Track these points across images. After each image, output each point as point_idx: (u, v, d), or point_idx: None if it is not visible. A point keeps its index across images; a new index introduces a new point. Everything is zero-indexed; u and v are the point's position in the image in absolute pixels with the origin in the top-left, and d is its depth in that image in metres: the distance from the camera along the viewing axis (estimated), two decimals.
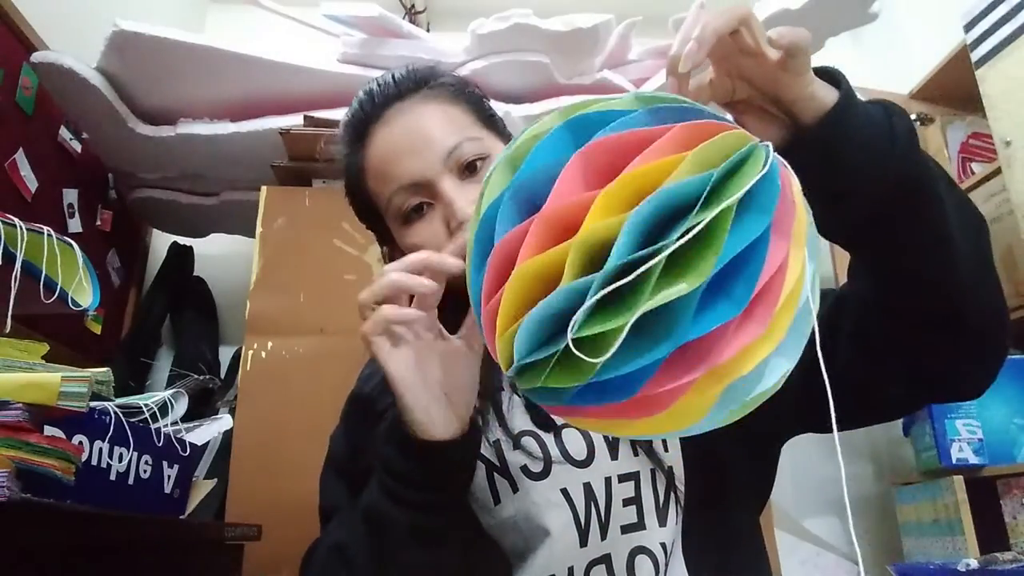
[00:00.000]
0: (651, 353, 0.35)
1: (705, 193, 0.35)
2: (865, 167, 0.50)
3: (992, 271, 0.57)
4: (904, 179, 0.51)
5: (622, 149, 0.37)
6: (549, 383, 0.37)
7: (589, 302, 0.34)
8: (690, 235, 0.34)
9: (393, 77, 0.68)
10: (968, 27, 1.66)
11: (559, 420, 0.63)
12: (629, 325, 0.34)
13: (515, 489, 0.62)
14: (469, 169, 0.63)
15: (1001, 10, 1.57)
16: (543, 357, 0.37)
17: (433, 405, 0.53)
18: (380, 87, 0.67)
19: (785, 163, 0.38)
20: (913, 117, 2.26)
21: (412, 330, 0.53)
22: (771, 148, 0.37)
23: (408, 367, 0.52)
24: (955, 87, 2.10)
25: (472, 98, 0.69)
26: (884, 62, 2.53)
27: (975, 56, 1.64)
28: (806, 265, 0.37)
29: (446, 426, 0.53)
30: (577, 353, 0.35)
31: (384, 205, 0.66)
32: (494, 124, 0.70)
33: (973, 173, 2.09)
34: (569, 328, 0.35)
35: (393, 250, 0.72)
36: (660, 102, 0.39)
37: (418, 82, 0.67)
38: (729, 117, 0.49)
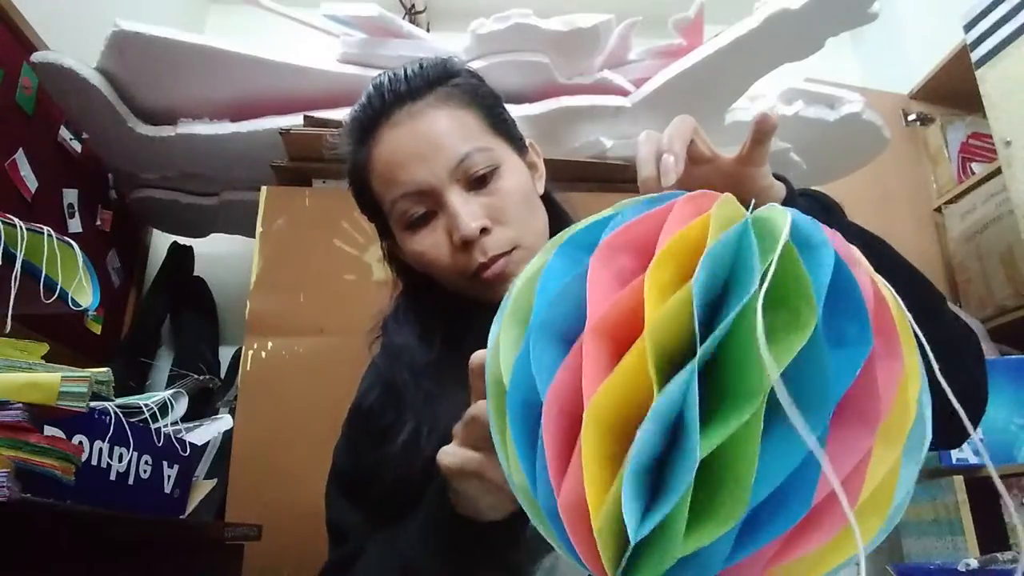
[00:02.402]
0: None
1: (753, 238, 0.30)
2: None
3: (951, 333, 0.55)
4: None
5: (637, 238, 0.32)
6: (689, 547, 0.27)
7: (693, 399, 0.27)
8: (769, 277, 0.28)
9: (405, 73, 0.65)
10: (968, 27, 1.66)
11: None
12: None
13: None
14: (478, 182, 0.62)
15: (1001, 10, 1.57)
16: (668, 512, 0.27)
17: (484, 498, 0.47)
18: (390, 82, 0.65)
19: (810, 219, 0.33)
20: (913, 117, 2.26)
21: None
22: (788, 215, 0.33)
23: (470, 464, 0.46)
24: (955, 87, 2.10)
25: (486, 101, 0.67)
26: (884, 62, 2.53)
27: (975, 56, 1.64)
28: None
29: (495, 512, 0.47)
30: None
31: (388, 208, 0.65)
32: (506, 129, 0.68)
33: (973, 173, 2.09)
34: (686, 433, 0.27)
35: (393, 245, 0.71)
36: (637, 202, 0.36)
37: (430, 82, 0.65)
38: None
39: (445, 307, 0.68)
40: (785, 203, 0.53)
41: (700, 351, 0.27)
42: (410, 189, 0.62)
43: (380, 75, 0.66)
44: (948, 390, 0.29)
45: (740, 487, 0.26)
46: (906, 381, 0.29)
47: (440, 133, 0.62)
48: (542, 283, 0.34)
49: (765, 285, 0.28)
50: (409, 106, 0.64)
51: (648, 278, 0.29)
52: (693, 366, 0.27)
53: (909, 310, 0.41)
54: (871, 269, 0.32)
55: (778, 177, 0.55)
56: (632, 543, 0.27)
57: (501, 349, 0.34)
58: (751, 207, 0.35)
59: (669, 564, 0.27)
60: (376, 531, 0.60)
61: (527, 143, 0.72)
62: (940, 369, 0.32)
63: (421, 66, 0.66)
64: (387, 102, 0.64)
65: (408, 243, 0.65)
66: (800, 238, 0.31)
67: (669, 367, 0.29)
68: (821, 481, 0.27)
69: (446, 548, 0.49)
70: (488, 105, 0.67)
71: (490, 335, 0.35)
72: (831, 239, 0.31)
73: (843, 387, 0.27)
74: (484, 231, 0.61)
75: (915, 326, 0.31)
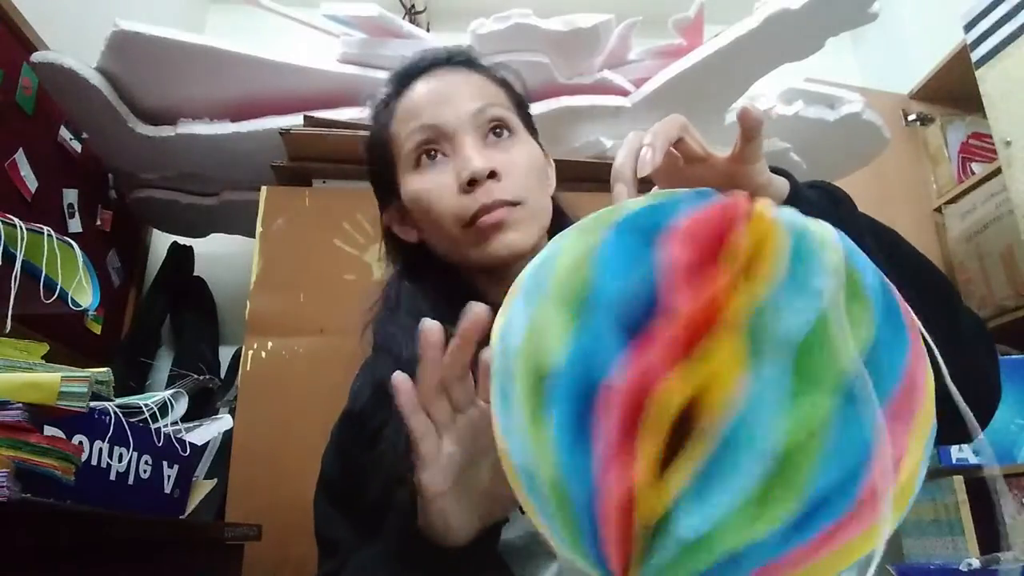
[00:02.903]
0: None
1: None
2: None
3: (963, 344, 0.55)
4: None
5: (700, 230, 0.31)
6: (738, 541, 0.27)
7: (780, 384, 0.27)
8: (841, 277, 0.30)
9: (447, 48, 0.71)
10: (968, 27, 1.66)
11: None
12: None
13: (523, 510, 0.60)
14: (494, 134, 0.65)
15: (1001, 10, 1.57)
16: (727, 510, 0.26)
17: (457, 517, 0.47)
18: (432, 51, 0.70)
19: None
20: (913, 117, 2.26)
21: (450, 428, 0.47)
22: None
23: (443, 477, 0.46)
24: (955, 87, 2.10)
25: (513, 91, 0.72)
26: (884, 62, 2.53)
27: (975, 56, 1.64)
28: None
29: (464, 533, 0.48)
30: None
31: (400, 146, 0.66)
32: (528, 120, 0.72)
33: (973, 173, 2.09)
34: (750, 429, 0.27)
35: (391, 214, 0.71)
36: (688, 194, 0.35)
37: (469, 58, 0.71)
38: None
39: (436, 296, 0.67)
40: (789, 198, 0.52)
41: (849, 366, 0.27)
42: (427, 123, 0.64)
43: (423, 50, 0.72)
44: (955, 391, 0.29)
45: (801, 482, 0.26)
46: (928, 377, 0.30)
47: (467, 87, 0.66)
48: (602, 264, 0.31)
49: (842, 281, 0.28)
50: (447, 66, 0.69)
51: (740, 276, 0.28)
52: (786, 359, 0.27)
53: (923, 302, 0.40)
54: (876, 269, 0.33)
55: (781, 172, 0.54)
56: (682, 539, 0.26)
57: (546, 330, 0.31)
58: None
59: (709, 562, 0.26)
60: (363, 542, 0.59)
61: (545, 150, 0.73)
62: (954, 362, 0.33)
63: (461, 47, 0.72)
64: (426, 63, 0.69)
65: (412, 182, 0.65)
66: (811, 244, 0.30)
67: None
68: (864, 478, 0.27)
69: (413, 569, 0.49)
70: (516, 94, 0.72)
71: (512, 316, 0.34)
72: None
73: (896, 381, 0.28)
74: (493, 175, 0.62)
75: (921, 327, 0.32)
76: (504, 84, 0.71)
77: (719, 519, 0.26)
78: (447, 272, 0.68)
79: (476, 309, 0.44)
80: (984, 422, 0.56)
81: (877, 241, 0.53)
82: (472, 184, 0.61)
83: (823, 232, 0.30)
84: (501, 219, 0.61)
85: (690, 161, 0.51)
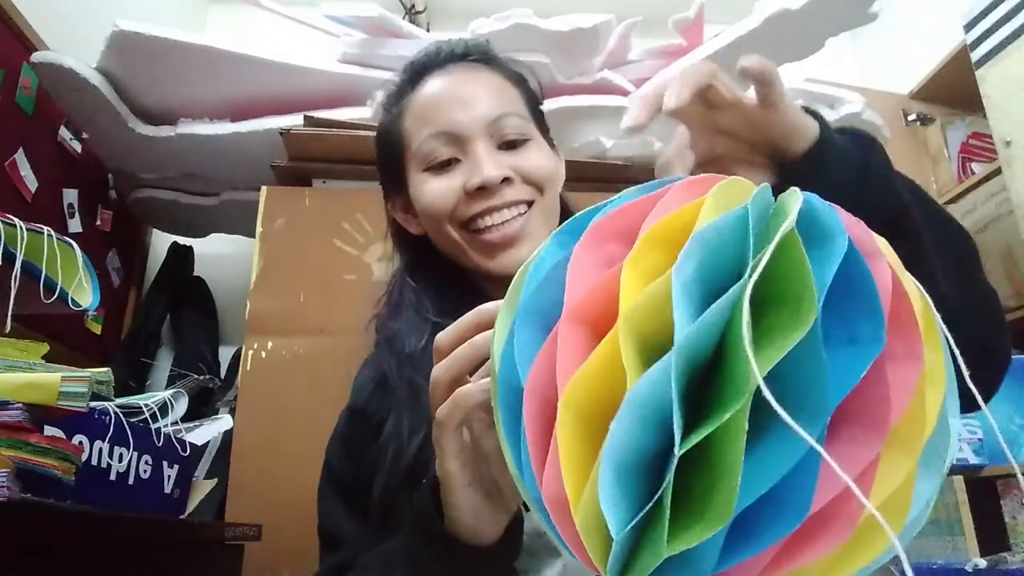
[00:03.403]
0: (808, 427, 0.25)
1: (750, 225, 0.28)
2: (841, 201, 0.50)
3: (981, 292, 0.55)
4: (879, 211, 0.48)
5: (627, 223, 0.30)
6: (675, 547, 0.25)
7: (677, 390, 0.25)
8: (760, 268, 0.26)
9: (465, 41, 0.69)
10: (968, 27, 1.66)
11: None
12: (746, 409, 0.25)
13: (527, 508, 0.60)
14: (509, 145, 0.64)
15: (1001, 10, 1.57)
16: (644, 515, 0.26)
17: (485, 508, 0.43)
18: (448, 44, 0.69)
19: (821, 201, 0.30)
20: (913, 117, 2.26)
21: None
22: (791, 197, 0.30)
23: (468, 472, 0.42)
24: (955, 87, 2.10)
25: (529, 90, 0.71)
26: (884, 62, 2.53)
27: (975, 56, 1.64)
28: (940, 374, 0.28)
29: (494, 527, 0.44)
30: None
31: (413, 147, 0.65)
32: (542, 120, 0.71)
33: (973, 173, 2.09)
34: (672, 458, 0.25)
35: (396, 203, 0.71)
36: (637, 188, 0.33)
37: (487, 55, 0.69)
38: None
39: (439, 293, 0.67)
40: (818, 143, 0.50)
41: (677, 341, 0.25)
42: (442, 129, 0.63)
43: (438, 41, 0.70)
44: (969, 379, 0.27)
45: (726, 488, 0.25)
46: (923, 384, 0.27)
47: (484, 90, 0.65)
48: (532, 269, 0.32)
49: (755, 276, 0.26)
50: (463, 63, 0.67)
51: (627, 264, 0.28)
52: (670, 357, 0.25)
53: (948, 265, 0.39)
54: (896, 262, 0.29)
55: (811, 112, 0.53)
56: (614, 540, 0.26)
57: (495, 336, 0.33)
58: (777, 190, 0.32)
59: (655, 564, 0.26)
60: (370, 538, 0.58)
61: (557, 150, 0.73)
62: (966, 333, 0.30)
63: (481, 41, 0.70)
64: (443, 56, 0.68)
65: (420, 184, 0.65)
66: (813, 226, 0.28)
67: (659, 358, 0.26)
68: (822, 489, 0.25)
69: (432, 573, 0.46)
70: (531, 94, 0.71)
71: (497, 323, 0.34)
72: (851, 227, 0.28)
73: (846, 388, 0.25)
74: (507, 180, 0.62)
75: (943, 327, 0.29)
76: (520, 83, 0.70)
77: (650, 523, 0.26)
78: (451, 268, 0.68)
79: (487, 307, 0.42)
80: (996, 383, 0.55)
81: (910, 195, 0.53)
82: (482, 190, 0.61)
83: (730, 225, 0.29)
84: (513, 234, 0.62)
85: (717, 107, 0.50)
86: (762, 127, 0.50)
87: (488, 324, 0.40)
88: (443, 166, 0.64)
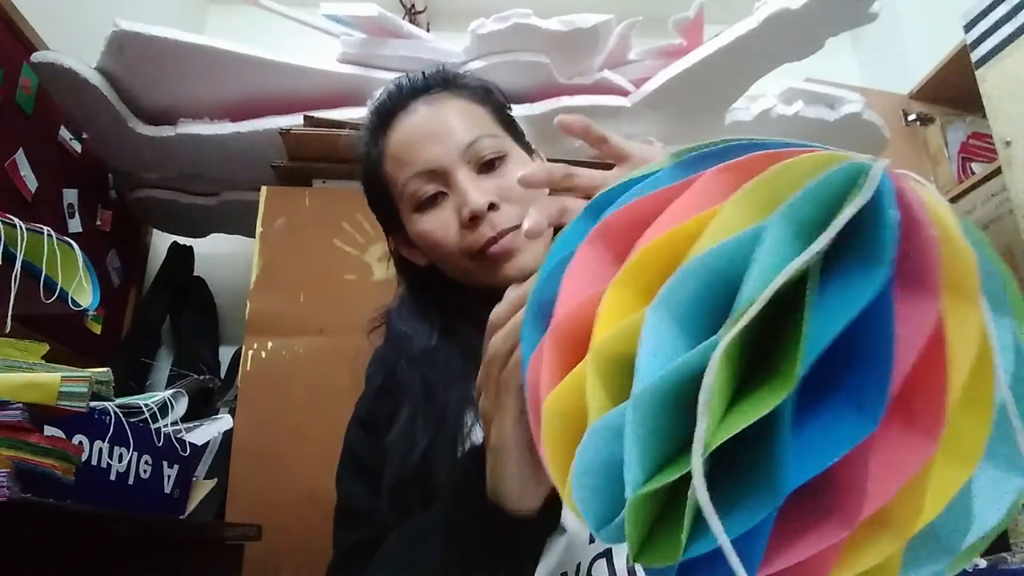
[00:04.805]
0: (750, 510, 0.23)
1: (758, 257, 0.23)
2: None
3: None
4: None
5: (641, 222, 0.26)
6: (643, 561, 0.26)
7: (632, 446, 0.23)
8: (741, 324, 0.22)
9: (423, 74, 0.70)
10: (968, 27, 1.66)
11: None
12: (698, 470, 0.21)
13: None
14: (487, 166, 0.65)
15: (1001, 10, 1.57)
16: (617, 530, 0.26)
17: (531, 476, 0.44)
18: (409, 82, 0.69)
19: (914, 177, 0.25)
20: (913, 117, 2.27)
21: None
22: (875, 166, 0.23)
23: (525, 437, 0.42)
24: (955, 87, 2.10)
25: (496, 103, 0.71)
26: (884, 62, 2.53)
27: (975, 56, 1.64)
28: (988, 327, 0.22)
29: (536, 498, 0.45)
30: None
31: (399, 190, 0.66)
32: (514, 129, 0.71)
33: (973, 173, 2.09)
34: (626, 493, 0.24)
35: (399, 241, 0.72)
36: (694, 151, 0.28)
37: (446, 80, 0.70)
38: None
39: (446, 302, 0.69)
40: None
41: (634, 392, 0.23)
42: (421, 168, 0.64)
43: (399, 77, 0.71)
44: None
45: (679, 531, 0.24)
46: (933, 467, 0.22)
47: (453, 119, 0.66)
48: (555, 246, 0.30)
49: (732, 333, 0.22)
50: (425, 97, 0.68)
51: (611, 288, 0.25)
52: (624, 408, 0.24)
53: None
54: (969, 302, 0.22)
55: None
56: (591, 532, 0.27)
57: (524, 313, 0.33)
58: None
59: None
60: (390, 516, 0.59)
61: (533, 148, 0.74)
62: None
63: (438, 69, 0.71)
64: (405, 95, 0.69)
65: (416, 224, 0.66)
66: (862, 233, 0.23)
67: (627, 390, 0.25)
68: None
69: (470, 551, 0.46)
70: (498, 105, 0.71)
71: None
72: (913, 247, 0.22)
73: (815, 468, 0.22)
74: (492, 207, 0.63)
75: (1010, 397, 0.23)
76: (485, 99, 0.70)
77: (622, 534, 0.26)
78: (457, 288, 0.69)
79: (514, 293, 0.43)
80: None
81: None
82: (474, 220, 0.62)
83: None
84: (510, 247, 0.63)
85: (595, 193, 0.52)
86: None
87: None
88: (432, 201, 0.65)
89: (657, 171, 0.28)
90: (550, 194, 0.51)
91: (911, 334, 0.22)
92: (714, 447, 0.22)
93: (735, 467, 0.24)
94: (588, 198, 0.53)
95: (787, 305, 0.23)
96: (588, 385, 0.25)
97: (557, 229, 0.68)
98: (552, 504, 0.47)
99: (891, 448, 0.22)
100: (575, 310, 0.27)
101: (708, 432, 0.22)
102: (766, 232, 0.22)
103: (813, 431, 0.23)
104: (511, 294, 0.43)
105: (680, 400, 0.24)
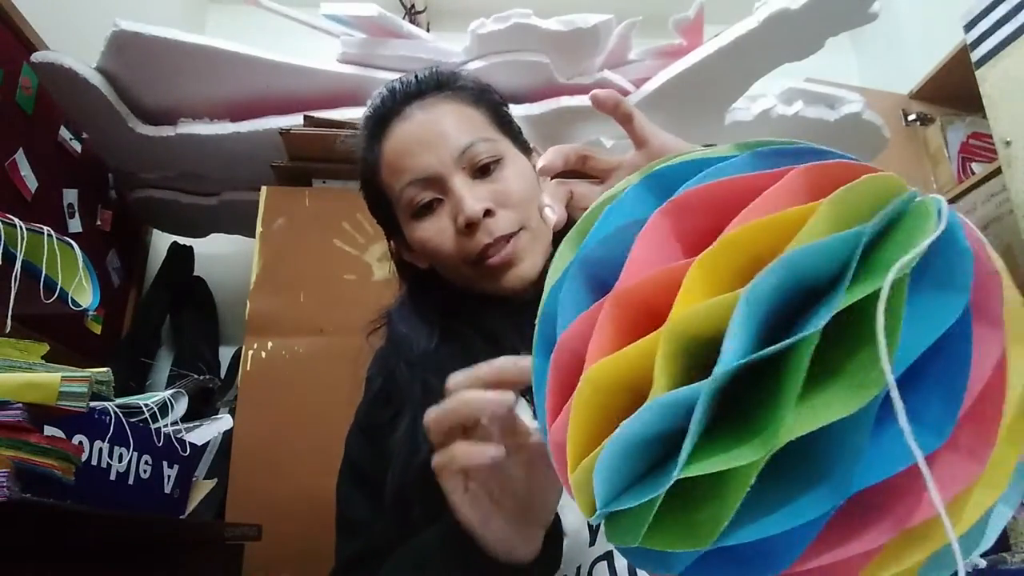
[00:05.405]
0: (806, 506, 0.23)
1: (856, 259, 0.24)
2: None
3: None
4: None
5: (720, 203, 0.26)
6: (650, 543, 0.25)
7: (697, 423, 0.23)
8: (827, 314, 0.23)
9: (416, 77, 0.69)
10: (968, 27, 1.66)
11: None
12: (765, 460, 0.22)
13: None
14: (482, 171, 0.64)
15: (1001, 10, 1.57)
16: (637, 505, 0.25)
17: (513, 536, 0.44)
18: (402, 85, 0.68)
19: (966, 220, 0.25)
20: (913, 117, 2.27)
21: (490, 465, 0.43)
22: (944, 201, 0.24)
23: (482, 509, 0.43)
24: (955, 87, 2.10)
25: (491, 103, 0.70)
26: (884, 62, 2.53)
27: (975, 56, 1.64)
28: None
29: (530, 546, 0.45)
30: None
31: (396, 197, 0.66)
32: (511, 129, 0.71)
33: (973, 173, 2.09)
34: (677, 465, 0.24)
35: (399, 244, 0.72)
36: (769, 145, 0.28)
37: (440, 83, 0.69)
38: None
39: (446, 305, 0.69)
40: None
41: (715, 373, 0.23)
42: (417, 176, 0.64)
43: (392, 81, 0.70)
44: None
45: (719, 516, 0.24)
46: (975, 487, 0.24)
47: (447, 124, 0.65)
48: (606, 214, 0.29)
49: (808, 330, 0.22)
50: (419, 102, 0.67)
51: (698, 264, 0.25)
52: (699, 387, 0.24)
53: None
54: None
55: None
56: (593, 519, 0.26)
57: (553, 264, 0.31)
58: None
59: (632, 543, 0.26)
60: (389, 527, 0.59)
61: (532, 147, 0.73)
62: None
63: (431, 71, 0.70)
64: (398, 100, 0.68)
65: (414, 231, 0.66)
66: (939, 263, 0.24)
67: (691, 370, 0.25)
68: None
69: None
70: (494, 105, 0.70)
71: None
72: (982, 284, 0.24)
73: (877, 476, 0.23)
74: (488, 213, 0.63)
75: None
76: (480, 100, 0.69)
77: (631, 515, 0.26)
78: (457, 291, 0.69)
79: (523, 364, 0.41)
80: None
81: None
82: (471, 227, 0.62)
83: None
84: (509, 256, 0.63)
85: (608, 176, 0.52)
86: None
87: (505, 382, 0.41)
88: (428, 209, 0.65)
89: (731, 157, 0.28)
90: (555, 178, 0.51)
91: (981, 360, 0.23)
92: (790, 439, 0.22)
93: (787, 457, 0.24)
94: (601, 181, 0.54)
95: (847, 315, 0.24)
96: (658, 360, 0.24)
97: (560, 232, 0.69)
98: (553, 543, 0.47)
99: (944, 463, 0.23)
100: (647, 281, 0.26)
101: (786, 426, 0.22)
102: (863, 238, 0.24)
103: (884, 436, 0.23)
104: (479, 370, 0.43)
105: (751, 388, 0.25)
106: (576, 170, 0.52)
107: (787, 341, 0.23)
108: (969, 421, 0.23)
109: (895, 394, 0.21)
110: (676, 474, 0.24)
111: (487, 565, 0.45)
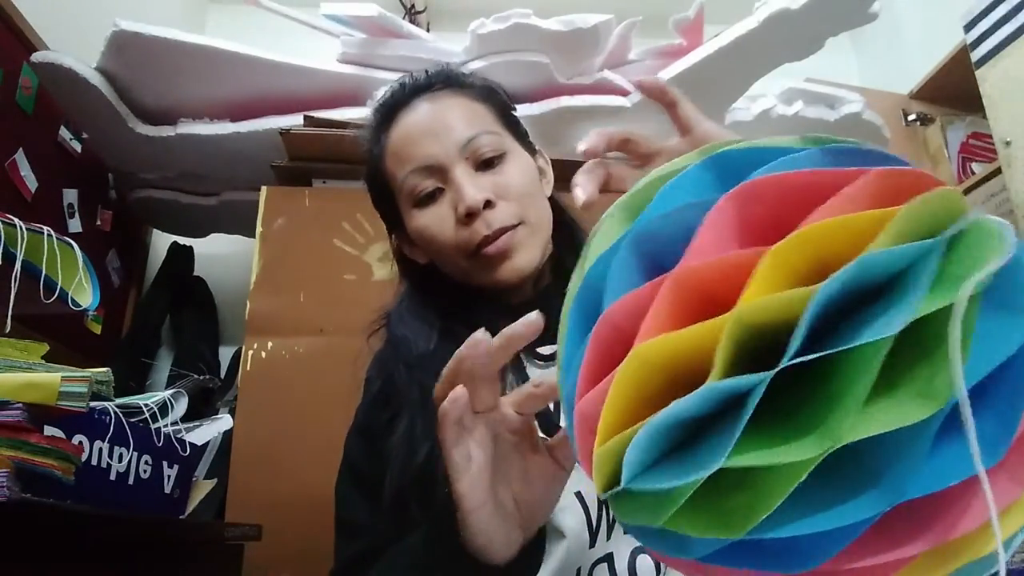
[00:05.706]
0: (853, 508, 0.23)
1: (932, 270, 0.24)
2: None
3: None
4: None
5: (792, 196, 0.26)
6: (676, 526, 0.25)
7: (747, 413, 0.23)
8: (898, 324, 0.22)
9: (426, 72, 0.70)
10: (968, 27, 1.66)
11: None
12: (820, 458, 0.23)
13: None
14: (485, 164, 0.65)
15: (1001, 10, 1.57)
16: (672, 487, 0.25)
17: (496, 530, 0.44)
18: (412, 80, 0.70)
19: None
20: (913, 117, 2.26)
21: (489, 427, 0.44)
22: (1010, 225, 0.25)
23: (479, 490, 0.43)
24: (955, 87, 2.10)
25: (498, 102, 0.71)
26: (884, 62, 2.53)
27: (975, 56, 1.64)
28: None
29: (507, 548, 0.45)
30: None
31: (398, 186, 0.67)
32: (516, 129, 0.72)
33: (973, 173, 2.09)
34: (722, 451, 0.23)
35: (401, 239, 0.72)
36: (837, 142, 0.28)
37: (449, 79, 0.70)
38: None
39: (446, 304, 0.69)
40: None
41: (782, 365, 0.23)
42: (420, 164, 0.65)
43: (404, 76, 0.71)
44: None
45: (756, 507, 0.24)
46: (1011, 510, 0.24)
47: (453, 115, 0.66)
48: (665, 191, 0.29)
49: (882, 334, 0.22)
50: (427, 94, 0.68)
51: (771, 254, 0.24)
52: (760, 377, 0.24)
53: None
54: None
55: None
56: (609, 494, 0.26)
57: (599, 234, 0.30)
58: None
59: (654, 523, 0.25)
60: (388, 528, 0.59)
61: (537, 148, 0.73)
62: None
63: (441, 68, 0.71)
64: (407, 93, 0.69)
65: (414, 219, 0.66)
66: (1008, 284, 0.24)
67: (745, 361, 0.25)
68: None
69: None
70: (502, 104, 0.71)
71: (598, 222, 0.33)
72: None
73: (926, 488, 0.23)
74: (489, 204, 0.63)
75: None
76: (487, 97, 0.70)
77: (661, 496, 0.25)
78: (457, 288, 0.69)
79: (532, 317, 0.42)
80: None
81: None
82: (470, 216, 0.63)
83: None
84: (505, 247, 0.63)
85: (648, 161, 0.52)
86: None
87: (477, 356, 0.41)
88: (430, 198, 0.65)
89: (799, 149, 0.28)
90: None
91: None
92: (851, 440, 0.22)
93: (833, 457, 0.23)
94: (642, 165, 0.54)
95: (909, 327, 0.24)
96: (722, 345, 0.24)
97: (562, 235, 0.69)
98: (529, 554, 0.46)
99: (991, 482, 0.23)
100: (714, 264, 0.25)
101: (847, 427, 0.22)
102: (939, 249, 0.24)
103: (940, 448, 0.23)
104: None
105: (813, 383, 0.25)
106: (623, 151, 0.53)
107: (861, 340, 0.23)
108: (1019, 444, 0.23)
109: (966, 411, 0.22)
110: (723, 462, 0.23)
111: (465, 567, 0.44)
